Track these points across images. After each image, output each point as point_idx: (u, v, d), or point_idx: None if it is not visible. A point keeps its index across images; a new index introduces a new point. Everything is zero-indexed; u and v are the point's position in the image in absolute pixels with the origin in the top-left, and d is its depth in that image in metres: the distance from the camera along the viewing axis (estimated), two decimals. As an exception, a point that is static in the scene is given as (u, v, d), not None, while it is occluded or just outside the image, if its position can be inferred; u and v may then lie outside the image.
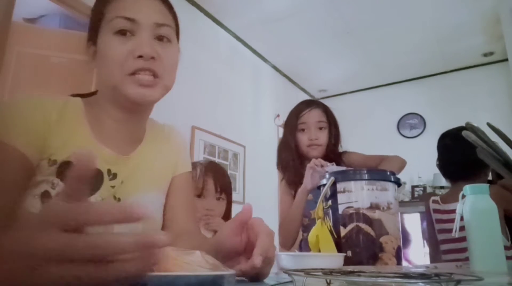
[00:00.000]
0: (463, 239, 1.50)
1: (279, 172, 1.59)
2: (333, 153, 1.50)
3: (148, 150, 0.81)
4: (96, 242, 0.32)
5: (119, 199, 0.73)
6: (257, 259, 0.44)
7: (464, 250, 1.54)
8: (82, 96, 0.80)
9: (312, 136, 1.47)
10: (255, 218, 0.55)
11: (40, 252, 0.32)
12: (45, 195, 0.67)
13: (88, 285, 0.33)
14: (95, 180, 0.70)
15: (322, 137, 1.48)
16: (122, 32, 0.70)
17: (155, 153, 0.83)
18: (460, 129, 1.65)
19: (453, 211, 1.57)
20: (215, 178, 1.38)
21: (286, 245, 1.43)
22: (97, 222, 0.33)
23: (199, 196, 1.35)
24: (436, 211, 1.64)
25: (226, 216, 1.42)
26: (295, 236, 1.41)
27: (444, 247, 1.60)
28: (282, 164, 1.56)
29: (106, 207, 0.33)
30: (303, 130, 1.49)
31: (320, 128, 1.49)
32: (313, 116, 1.49)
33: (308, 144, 1.47)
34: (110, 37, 0.70)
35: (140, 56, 0.69)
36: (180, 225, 0.85)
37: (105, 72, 0.72)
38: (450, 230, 1.58)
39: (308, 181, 1.34)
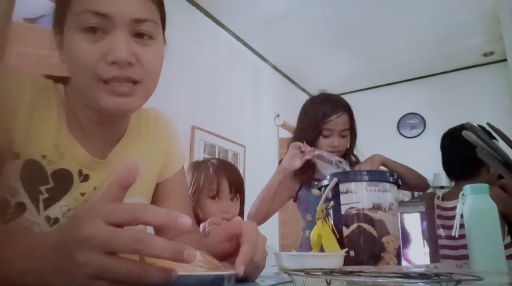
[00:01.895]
0: (459, 237, 1.52)
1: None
2: (348, 157, 1.48)
3: (130, 151, 0.71)
4: (139, 237, 0.34)
5: None
6: (239, 268, 0.44)
7: (458, 247, 1.56)
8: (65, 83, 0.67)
9: (335, 144, 1.41)
10: (247, 224, 0.53)
11: (85, 238, 0.34)
12: (3, 206, 0.58)
13: (120, 281, 0.34)
14: (61, 182, 0.62)
15: (344, 144, 1.43)
16: (91, 30, 0.56)
17: (139, 153, 0.73)
18: (460, 127, 1.66)
19: (451, 208, 1.60)
20: (230, 178, 1.31)
21: (254, 219, 1.42)
22: (148, 222, 0.35)
23: (213, 197, 1.28)
24: (438, 207, 1.69)
25: (240, 217, 1.38)
26: (265, 214, 1.43)
27: (440, 242, 1.64)
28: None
29: (158, 210, 0.36)
30: (326, 135, 1.42)
31: (343, 136, 1.43)
32: (339, 124, 1.41)
33: (330, 150, 1.40)
34: (77, 35, 0.57)
35: (114, 62, 0.56)
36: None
37: (74, 74, 0.60)
38: (446, 227, 1.62)
39: (286, 161, 1.34)
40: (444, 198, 1.67)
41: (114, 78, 0.57)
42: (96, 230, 0.34)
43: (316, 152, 1.31)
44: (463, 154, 1.57)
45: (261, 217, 1.44)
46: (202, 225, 1.22)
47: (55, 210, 0.61)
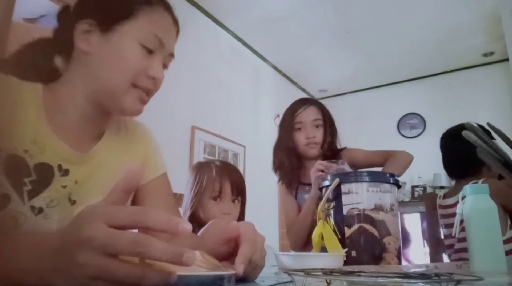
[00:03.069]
0: (454, 236, 1.53)
1: (276, 174, 1.56)
2: (330, 150, 1.49)
3: (110, 149, 0.75)
4: (139, 240, 0.34)
5: (74, 202, 0.67)
6: (238, 268, 0.45)
7: (451, 246, 1.57)
8: (43, 81, 0.71)
9: (309, 135, 1.45)
10: (244, 225, 0.54)
11: (85, 240, 0.34)
12: None
13: (119, 282, 0.34)
14: (43, 175, 0.64)
15: (319, 135, 1.46)
16: (147, 49, 0.69)
17: (118, 153, 0.77)
18: (459, 127, 1.67)
19: (450, 206, 1.60)
20: (232, 180, 1.32)
21: (296, 248, 1.43)
22: (149, 227, 0.36)
23: (215, 199, 1.29)
24: (440, 206, 1.70)
25: (240, 218, 1.38)
26: (305, 240, 1.39)
27: (446, 241, 1.67)
28: (278, 165, 1.53)
29: (160, 215, 0.36)
30: (299, 129, 1.47)
31: (317, 126, 1.47)
32: (308, 115, 1.47)
33: (306, 143, 1.45)
34: (135, 45, 0.68)
35: (153, 78, 0.70)
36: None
37: (111, 72, 0.68)
38: (448, 225, 1.63)
39: (315, 188, 1.31)
40: (445, 196, 1.69)
41: (146, 89, 0.70)
42: (96, 232, 0.34)
43: (340, 166, 1.30)
44: (463, 153, 1.58)
45: (305, 241, 1.42)
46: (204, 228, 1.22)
47: (39, 201, 0.63)
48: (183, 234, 0.35)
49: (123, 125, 0.81)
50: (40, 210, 0.63)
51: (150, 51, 0.70)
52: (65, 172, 0.67)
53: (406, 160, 1.47)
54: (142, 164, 0.81)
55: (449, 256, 1.64)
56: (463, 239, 1.50)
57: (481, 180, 1.46)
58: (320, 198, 1.33)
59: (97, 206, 0.38)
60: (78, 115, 0.70)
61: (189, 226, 0.36)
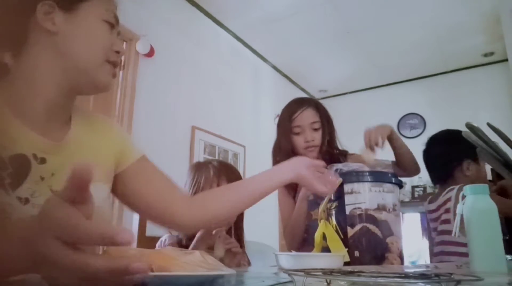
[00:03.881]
0: (441, 232, 1.54)
1: None
2: (329, 154, 1.47)
3: (82, 138, 0.75)
4: (69, 222, 0.34)
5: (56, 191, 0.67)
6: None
7: (438, 244, 1.58)
8: None
9: (308, 138, 1.42)
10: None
11: (32, 254, 0.35)
12: None
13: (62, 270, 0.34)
14: (20, 167, 0.64)
15: (318, 138, 1.44)
16: (110, 24, 0.73)
17: (90, 141, 0.77)
18: (437, 134, 1.72)
19: (433, 211, 1.62)
20: (230, 180, 1.29)
21: (292, 249, 1.43)
22: (85, 241, 0.35)
23: None
24: (426, 211, 1.72)
25: (239, 218, 1.37)
26: (300, 239, 1.39)
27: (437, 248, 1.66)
28: None
29: (94, 227, 0.34)
30: (297, 133, 1.44)
31: (315, 129, 1.44)
32: (306, 118, 1.44)
33: (305, 146, 1.43)
34: (100, 23, 0.72)
35: (118, 52, 0.74)
36: (176, 200, 0.85)
37: (83, 50, 0.69)
38: (433, 228, 1.64)
39: (305, 189, 1.29)
40: (430, 201, 1.69)
41: (115, 63, 0.74)
42: (43, 248, 0.35)
43: (345, 169, 1.13)
44: (434, 160, 1.66)
45: (300, 241, 1.41)
46: (199, 233, 1.22)
47: (23, 192, 0.63)
48: (123, 244, 0.33)
49: (83, 113, 0.81)
50: (27, 200, 0.63)
51: (112, 27, 0.74)
52: (42, 160, 0.67)
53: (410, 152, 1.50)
54: (120, 149, 0.82)
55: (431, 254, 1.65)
56: (443, 232, 1.53)
57: (457, 186, 1.49)
58: (314, 199, 1.34)
59: (48, 213, 0.36)
60: (43, 102, 0.69)
61: (129, 236, 0.33)
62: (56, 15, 0.68)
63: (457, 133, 1.58)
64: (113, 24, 0.74)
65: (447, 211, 1.52)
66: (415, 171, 1.55)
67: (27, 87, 0.68)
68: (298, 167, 0.92)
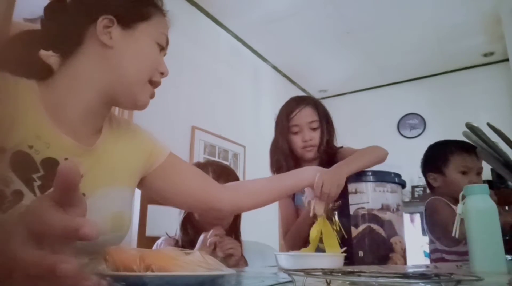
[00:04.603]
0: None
1: (273, 174, 1.53)
2: (326, 153, 1.44)
3: (113, 142, 0.78)
4: (33, 213, 0.34)
5: (83, 194, 0.65)
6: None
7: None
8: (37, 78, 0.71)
9: (306, 138, 1.40)
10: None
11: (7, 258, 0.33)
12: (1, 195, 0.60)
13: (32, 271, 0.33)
14: (51, 170, 0.64)
15: (316, 137, 1.41)
16: (160, 46, 0.77)
17: (120, 146, 0.79)
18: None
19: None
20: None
21: (295, 248, 1.42)
22: (48, 232, 0.33)
23: None
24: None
25: (236, 220, 1.36)
26: (303, 244, 1.39)
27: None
28: (276, 166, 1.48)
29: (58, 219, 0.33)
30: (295, 132, 1.42)
31: (313, 129, 1.41)
32: (304, 116, 1.41)
33: (303, 146, 1.41)
34: (153, 43, 0.75)
35: (162, 73, 0.78)
36: (211, 186, 0.91)
37: (132, 67, 0.73)
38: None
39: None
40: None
41: (156, 83, 0.77)
42: (17, 251, 0.33)
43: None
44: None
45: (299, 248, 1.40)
46: (203, 235, 1.20)
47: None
48: (86, 239, 0.32)
49: (113, 119, 0.83)
50: None
51: (162, 49, 0.77)
52: None
53: (373, 152, 1.24)
54: (150, 150, 0.85)
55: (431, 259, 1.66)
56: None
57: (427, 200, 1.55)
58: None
59: (24, 215, 0.35)
60: (82, 108, 0.71)
61: (93, 231, 0.32)
62: (114, 30, 0.71)
63: (430, 147, 1.67)
64: (163, 46, 0.78)
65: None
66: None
67: (69, 92, 0.70)
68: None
